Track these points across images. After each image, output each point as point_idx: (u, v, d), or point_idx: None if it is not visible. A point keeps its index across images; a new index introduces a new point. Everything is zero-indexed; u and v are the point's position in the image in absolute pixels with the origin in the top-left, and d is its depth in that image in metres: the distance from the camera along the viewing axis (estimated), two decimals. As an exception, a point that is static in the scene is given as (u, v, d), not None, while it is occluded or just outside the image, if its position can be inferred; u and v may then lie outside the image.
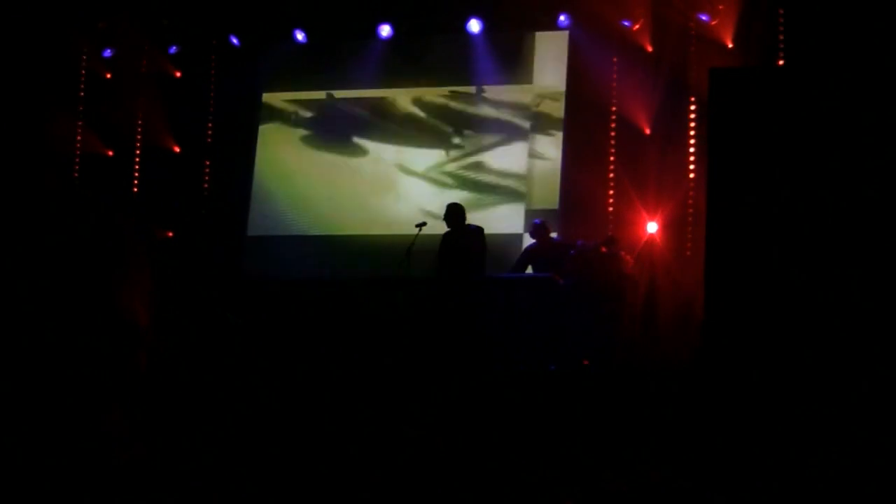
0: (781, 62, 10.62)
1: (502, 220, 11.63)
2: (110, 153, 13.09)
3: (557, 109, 11.92)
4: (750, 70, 9.57)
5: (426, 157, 12.25)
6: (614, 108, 11.56)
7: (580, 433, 7.20)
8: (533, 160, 11.90)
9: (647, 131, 11.29)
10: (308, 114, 12.88)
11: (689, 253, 10.68)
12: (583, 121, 11.72)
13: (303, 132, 12.83)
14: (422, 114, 12.40)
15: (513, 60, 12.17)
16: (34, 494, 5.95)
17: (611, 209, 11.33)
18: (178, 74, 13.06)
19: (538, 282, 9.97)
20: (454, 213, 9.93)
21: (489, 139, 12.08)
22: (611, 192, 11.39)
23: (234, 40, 12.78)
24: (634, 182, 11.11)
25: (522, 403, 8.07)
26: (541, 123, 11.97)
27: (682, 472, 6.10)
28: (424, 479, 6.23)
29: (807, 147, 6.26)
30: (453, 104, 12.32)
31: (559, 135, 11.87)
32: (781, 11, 10.73)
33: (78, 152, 13.10)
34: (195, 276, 11.95)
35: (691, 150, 11.01)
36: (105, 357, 8.77)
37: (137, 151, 13.00)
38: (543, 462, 6.50)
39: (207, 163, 12.88)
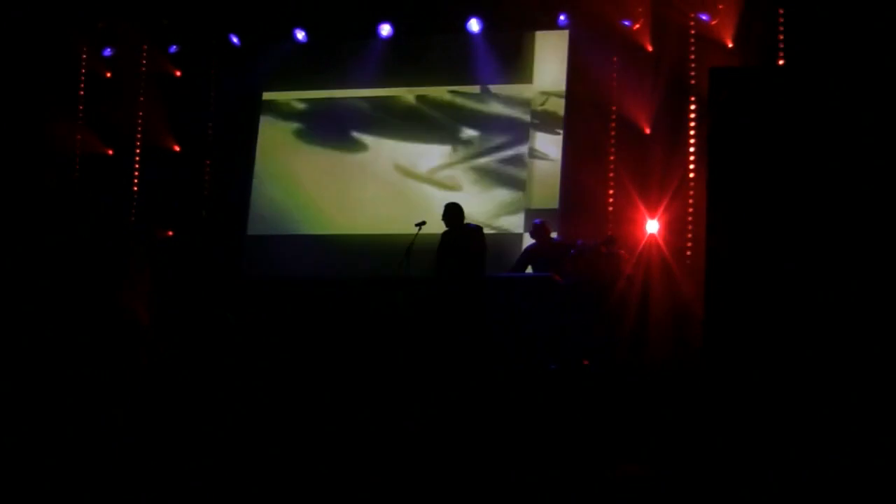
0: (781, 62, 10.61)
1: (502, 220, 11.63)
2: (110, 153, 13.09)
3: (557, 109, 11.92)
4: (750, 69, 9.57)
5: (426, 157, 12.24)
6: (614, 108, 11.55)
7: (580, 433, 7.20)
8: (533, 160, 11.90)
9: (648, 131, 11.29)
10: (308, 113, 12.88)
11: (689, 252, 10.68)
12: (583, 120, 11.71)
13: (303, 132, 12.83)
14: (422, 113, 12.39)
15: (513, 60, 12.17)
16: (35, 492, 5.95)
17: (611, 209, 11.33)
18: (179, 74, 13.06)
19: (538, 282, 9.97)
20: (452, 213, 9.93)
21: (489, 139, 12.07)
22: (611, 191, 11.38)
23: (235, 40, 12.78)
24: (634, 182, 11.10)
25: (522, 403, 8.08)
26: (541, 123, 11.97)
27: (682, 472, 6.10)
28: (424, 478, 6.23)
29: (807, 146, 6.27)
30: (453, 104, 12.32)
31: (559, 134, 11.87)
32: (781, 11, 10.73)
33: (78, 152, 13.10)
34: (195, 276, 11.96)
35: (691, 149, 11.00)
36: (106, 355, 8.74)
37: (137, 151, 12.99)
38: (543, 462, 6.50)
39: (207, 162, 12.87)
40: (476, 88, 12.26)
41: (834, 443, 5.73)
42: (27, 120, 12.39)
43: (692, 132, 11.02)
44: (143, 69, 13.02)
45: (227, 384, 9.65)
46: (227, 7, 12.60)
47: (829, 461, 5.64)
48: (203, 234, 12.52)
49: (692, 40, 11.19)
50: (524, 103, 12.03)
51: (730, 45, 10.85)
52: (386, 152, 12.39)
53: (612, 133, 11.54)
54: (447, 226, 9.92)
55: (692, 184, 10.86)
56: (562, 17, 11.86)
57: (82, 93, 13.05)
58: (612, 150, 11.50)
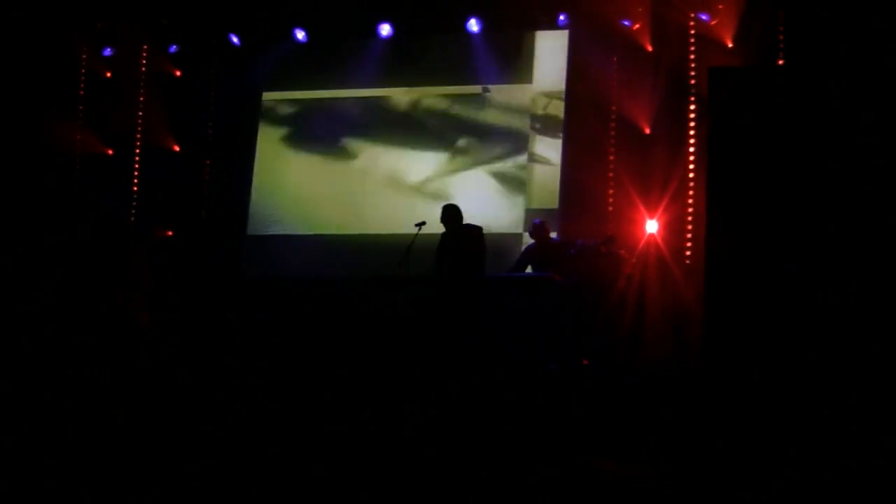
0: (781, 61, 10.61)
1: (502, 220, 11.63)
2: (110, 152, 13.08)
3: (557, 109, 11.91)
4: (750, 69, 9.57)
5: (426, 156, 12.24)
6: (614, 108, 11.55)
7: (579, 432, 7.20)
8: (533, 160, 11.90)
9: (647, 131, 11.29)
10: (308, 113, 12.87)
11: (688, 252, 10.68)
12: (583, 120, 11.71)
13: (303, 132, 12.82)
14: (421, 113, 12.39)
15: (513, 60, 12.17)
16: (35, 492, 5.94)
17: (610, 209, 11.32)
18: (178, 74, 13.06)
19: (538, 282, 9.98)
20: (450, 214, 9.94)
21: (489, 139, 12.07)
22: (610, 191, 11.37)
23: (235, 40, 12.78)
24: (634, 181, 11.10)
25: (522, 403, 8.08)
26: (540, 123, 11.96)
27: (682, 472, 6.11)
28: (424, 478, 6.23)
29: (806, 146, 6.28)
30: (453, 103, 12.32)
31: (559, 134, 11.87)
32: (781, 11, 10.73)
33: (78, 152, 13.10)
34: (195, 276, 11.96)
35: (691, 149, 11.00)
36: (105, 355, 8.72)
37: (137, 151, 12.98)
38: (543, 461, 6.50)
39: (207, 162, 12.87)
40: (476, 89, 12.25)
41: (833, 443, 5.74)
42: (27, 120, 12.39)
43: (692, 132, 11.02)
44: (143, 69, 13.03)
45: (227, 384, 9.65)
46: (226, 7, 12.60)
47: (828, 461, 5.65)
48: (203, 234, 12.52)
49: (692, 40, 11.18)
50: (524, 103, 12.02)
51: (730, 45, 10.85)
52: (386, 150, 12.38)
53: (612, 133, 11.53)
54: (446, 227, 9.93)
55: (692, 184, 10.85)
56: (561, 17, 11.86)
57: (82, 93, 13.05)
58: (612, 150, 11.50)
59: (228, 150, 12.86)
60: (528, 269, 10.39)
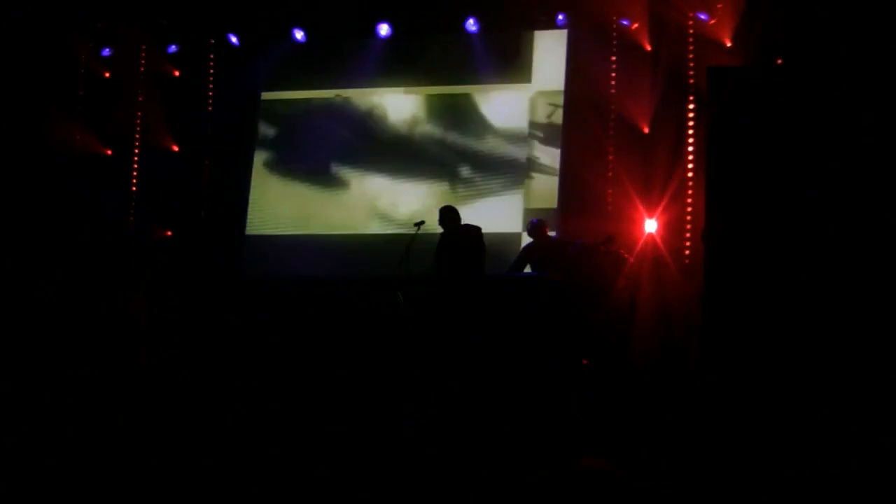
0: (780, 61, 10.61)
1: (501, 219, 11.63)
2: (109, 152, 13.08)
3: (556, 108, 11.92)
4: (749, 69, 9.58)
5: (425, 155, 12.24)
6: (613, 107, 11.56)
7: (579, 432, 7.21)
8: (531, 159, 11.91)
9: (646, 130, 11.29)
10: (307, 112, 12.87)
11: (687, 252, 10.68)
12: (581, 120, 11.72)
13: (302, 130, 12.82)
14: (420, 111, 12.39)
15: (511, 59, 12.17)
16: (35, 492, 5.94)
17: (609, 208, 11.33)
18: (177, 73, 13.06)
19: (537, 281, 9.98)
20: (448, 216, 9.96)
21: (488, 138, 12.08)
22: (609, 190, 11.38)
23: (234, 39, 12.78)
24: (633, 181, 11.10)
25: (522, 403, 8.08)
26: (539, 122, 11.97)
27: (680, 472, 6.11)
28: (424, 478, 6.23)
29: (806, 146, 6.28)
30: (452, 102, 12.32)
31: (557, 134, 11.87)
32: (780, 10, 10.73)
33: (77, 152, 13.09)
34: (194, 276, 11.96)
35: (690, 148, 11.00)
36: (105, 355, 8.73)
37: (136, 151, 12.98)
38: (542, 461, 6.50)
39: (206, 162, 12.87)
40: (475, 88, 12.25)
41: (832, 442, 5.74)
42: (26, 120, 12.38)
43: (691, 132, 11.02)
44: (142, 69, 13.01)
45: (227, 384, 9.65)
46: (225, 7, 12.59)
47: (827, 461, 5.65)
48: (202, 234, 12.52)
49: (691, 39, 11.19)
50: (523, 102, 12.02)
51: (728, 45, 10.86)
52: (385, 148, 12.38)
53: (611, 132, 11.54)
54: (444, 228, 9.94)
55: (691, 183, 10.86)
56: (560, 17, 11.87)
57: (81, 93, 13.03)
58: (611, 149, 11.50)
59: (227, 150, 12.85)
60: (527, 269, 10.40)
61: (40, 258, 11.73)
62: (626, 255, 10.35)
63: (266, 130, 12.93)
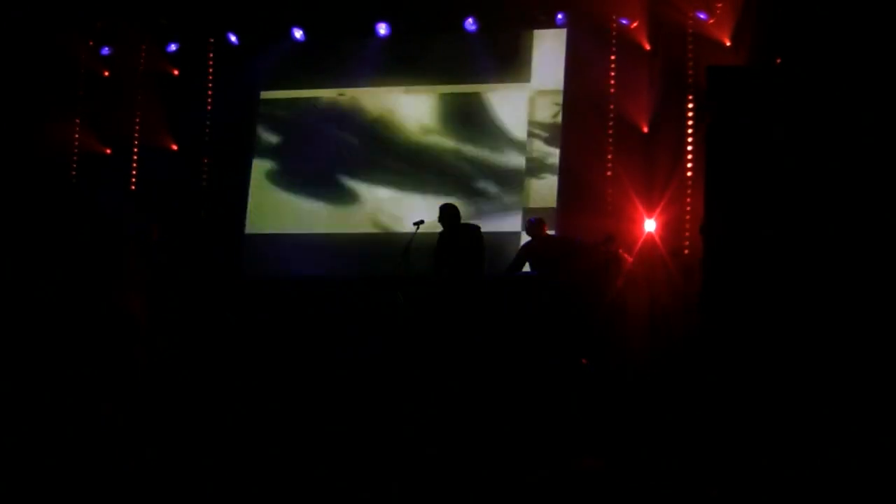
0: (779, 60, 10.61)
1: (500, 219, 11.63)
2: (108, 152, 13.08)
3: (555, 107, 11.92)
4: (748, 68, 9.58)
5: (424, 153, 12.25)
6: (612, 106, 11.56)
7: (578, 432, 7.21)
8: (531, 158, 11.91)
9: (646, 129, 11.30)
10: (306, 111, 12.87)
11: (686, 251, 10.69)
12: (581, 119, 11.72)
13: (301, 130, 12.82)
14: (420, 111, 12.39)
15: (511, 58, 12.18)
16: (33, 490, 5.94)
17: (609, 207, 11.33)
18: (177, 73, 13.06)
19: (536, 281, 9.98)
20: (448, 214, 9.96)
21: (487, 137, 12.08)
22: (609, 190, 11.38)
23: (233, 38, 12.78)
24: (633, 180, 11.11)
25: (521, 403, 8.08)
26: (538, 121, 11.97)
27: (680, 471, 6.12)
28: (423, 478, 6.23)
29: (805, 145, 6.28)
30: (451, 102, 12.32)
31: (557, 133, 11.87)
32: (780, 9, 10.73)
33: (76, 151, 13.10)
34: (193, 276, 11.96)
35: (689, 148, 11.00)
36: (103, 354, 8.72)
37: (135, 150, 12.98)
38: (542, 461, 6.51)
39: (206, 161, 12.86)
40: (474, 87, 12.26)
41: (831, 443, 5.74)
42: (25, 119, 12.39)
43: (690, 131, 11.03)
44: (142, 68, 13.01)
45: (226, 384, 9.66)
46: (225, 6, 12.60)
47: (825, 461, 5.66)
48: (201, 234, 12.51)
49: (690, 39, 11.19)
50: (522, 102, 12.02)
51: (728, 44, 10.86)
52: (384, 147, 12.38)
53: (610, 132, 11.54)
54: (444, 226, 9.94)
55: (690, 182, 10.86)
56: (559, 16, 11.87)
57: (80, 92, 13.04)
58: (610, 148, 11.50)
59: (227, 149, 12.85)
60: (526, 267, 10.39)
61: (39, 257, 11.73)
62: (626, 255, 10.36)
63: (265, 130, 12.91)
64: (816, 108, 6.31)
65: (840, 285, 6.02)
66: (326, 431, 7.30)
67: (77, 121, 13.08)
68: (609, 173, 11.41)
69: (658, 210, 10.86)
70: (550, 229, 10.80)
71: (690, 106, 11.07)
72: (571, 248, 10.29)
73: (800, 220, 6.19)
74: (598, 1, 11.44)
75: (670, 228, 10.83)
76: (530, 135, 11.95)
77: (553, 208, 11.60)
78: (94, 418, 7.74)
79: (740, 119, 6.44)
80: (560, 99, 11.90)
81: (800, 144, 6.27)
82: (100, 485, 6.26)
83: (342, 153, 12.51)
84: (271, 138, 12.89)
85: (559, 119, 11.87)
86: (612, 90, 11.57)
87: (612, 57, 11.62)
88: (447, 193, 11.56)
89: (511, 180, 11.88)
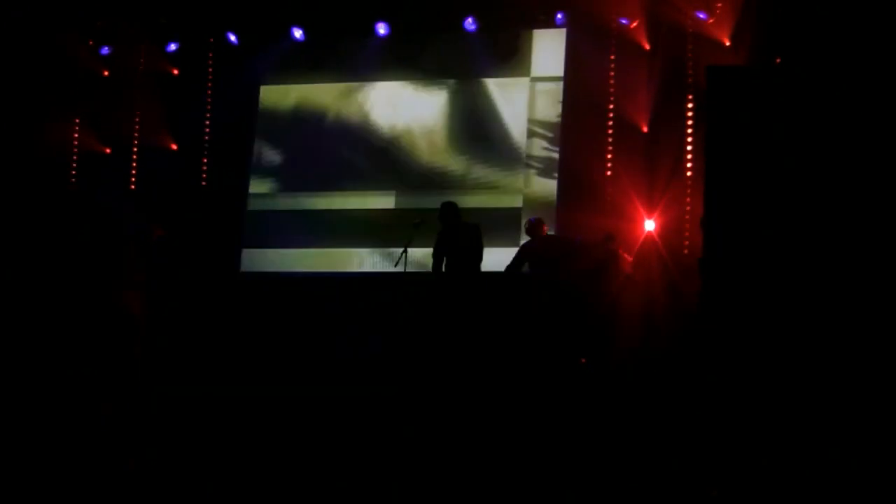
0: (779, 60, 10.62)
1: (499, 217, 11.61)
2: (108, 151, 13.07)
3: (555, 107, 11.92)
4: (747, 68, 9.58)
5: (424, 153, 12.24)
6: (612, 106, 11.57)
7: (578, 431, 7.21)
8: (530, 157, 11.91)
9: (645, 129, 11.30)
10: (306, 111, 12.86)
11: (686, 251, 10.69)
12: (580, 118, 11.73)
13: (300, 129, 12.82)
14: (420, 110, 12.38)
15: (510, 57, 12.18)
16: (30, 487, 5.94)
17: (608, 206, 11.33)
18: (176, 72, 13.05)
19: (535, 280, 9.99)
20: (448, 212, 9.97)
21: (486, 136, 12.07)
22: (608, 189, 11.38)
23: (232, 38, 12.77)
24: (632, 180, 11.11)
25: (519, 401, 8.09)
26: (538, 120, 11.97)
27: (680, 471, 6.12)
28: (423, 478, 6.23)
29: (804, 145, 6.27)
30: (451, 101, 12.32)
31: (556, 132, 11.87)
32: (779, 9, 10.73)
33: (75, 150, 13.10)
34: (192, 275, 11.97)
35: (689, 147, 11.01)
36: (102, 353, 8.71)
37: (135, 149, 12.98)
38: (542, 460, 6.51)
39: (205, 161, 12.86)
40: (474, 85, 12.26)
41: (831, 443, 5.75)
42: (25, 118, 12.39)
43: (690, 130, 11.03)
44: (141, 68, 13.00)
45: (226, 383, 9.66)
46: (224, 6, 12.59)
47: (826, 461, 5.66)
48: (200, 233, 12.51)
49: (690, 38, 11.20)
50: (522, 101, 12.02)
51: (727, 44, 10.87)
52: (383, 146, 12.37)
53: (610, 131, 11.54)
54: (443, 224, 9.95)
55: (690, 182, 10.87)
56: (559, 16, 11.87)
57: (80, 91, 13.03)
58: (610, 148, 11.51)
59: (226, 149, 12.85)
60: (526, 268, 10.39)
61: (38, 257, 11.73)
62: (625, 254, 10.36)
63: (264, 131, 12.92)
64: (816, 107, 6.31)
65: (840, 285, 6.02)
66: (326, 431, 7.30)
67: (77, 120, 13.08)
68: (609, 173, 11.42)
69: (658, 209, 10.87)
70: (550, 229, 10.81)
71: (690, 106, 11.07)
72: (571, 247, 10.29)
73: (799, 219, 6.19)
74: (597, 1, 11.44)
75: (670, 228, 10.84)
76: (530, 134, 11.95)
77: (552, 207, 11.60)
78: (94, 418, 7.74)
79: (739, 119, 6.44)
80: (560, 98, 11.89)
81: (799, 144, 6.27)
82: (100, 485, 6.26)
83: (342, 152, 12.50)
84: (271, 137, 12.88)
85: (559, 118, 11.86)
86: (612, 90, 11.57)
87: (612, 57, 11.62)
88: (447, 192, 11.56)
89: (510, 179, 11.87)
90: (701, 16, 11.06)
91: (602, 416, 7.51)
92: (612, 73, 11.60)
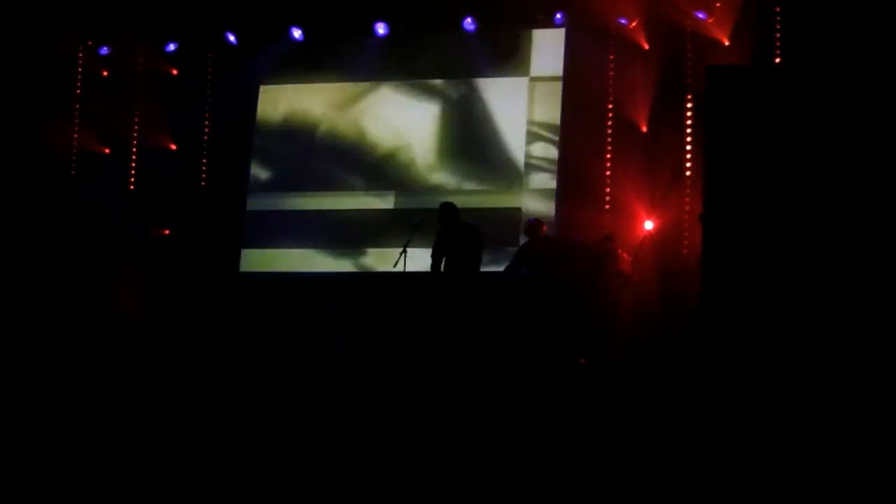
0: (778, 60, 10.63)
1: (499, 217, 11.61)
2: (107, 151, 13.07)
3: (554, 106, 11.91)
4: (747, 68, 9.58)
5: (423, 153, 12.24)
6: (611, 106, 11.56)
7: (578, 431, 7.21)
8: (529, 157, 11.90)
9: (644, 128, 11.30)
10: (305, 111, 12.86)
11: (685, 251, 10.69)
12: (580, 118, 11.72)
13: (299, 129, 12.81)
14: (419, 110, 12.37)
15: (510, 57, 12.17)
16: (28, 486, 5.95)
17: (608, 206, 11.33)
18: (175, 72, 13.05)
19: (534, 280, 9.98)
20: (447, 212, 9.97)
21: (485, 136, 12.06)
22: (608, 189, 11.38)
23: (231, 38, 12.77)
24: (631, 179, 11.12)
25: (519, 401, 8.09)
26: (537, 120, 11.96)
27: (680, 471, 6.12)
28: (423, 478, 6.24)
29: (803, 144, 6.28)
30: (450, 100, 12.32)
31: (556, 132, 11.86)
32: (778, 9, 10.74)
33: (74, 150, 13.09)
34: (192, 275, 11.96)
35: (688, 147, 11.01)
36: (102, 352, 8.74)
37: (134, 149, 12.97)
38: (542, 460, 6.51)
39: (204, 161, 12.86)
40: (473, 85, 12.25)
41: (830, 443, 5.75)
42: (24, 118, 12.38)
43: (689, 130, 11.03)
44: (140, 68, 13.00)
45: (226, 383, 9.66)
46: (224, 5, 12.59)
47: (825, 461, 5.66)
48: (200, 233, 12.51)
49: (689, 38, 11.19)
50: (521, 100, 12.01)
51: (726, 44, 10.87)
52: (383, 146, 12.36)
53: (609, 131, 11.54)
54: (442, 225, 9.95)
55: (689, 182, 10.87)
56: (558, 16, 11.87)
57: (79, 91, 13.03)
58: (609, 147, 11.51)
59: (225, 149, 12.85)
60: (525, 268, 10.38)
61: (38, 257, 11.73)
62: (625, 254, 10.36)
63: (264, 131, 12.91)
64: (815, 107, 6.32)
65: (839, 284, 6.02)
66: (326, 431, 7.30)
67: (76, 120, 13.07)
68: (608, 173, 11.42)
69: (657, 209, 10.87)
70: (549, 229, 10.80)
71: (690, 106, 11.07)
72: (570, 248, 10.28)
73: (799, 219, 6.20)
74: (596, 1, 11.43)
75: (669, 228, 10.84)
76: (529, 134, 11.94)
77: (552, 206, 11.59)
78: (93, 418, 7.75)
79: (739, 118, 6.44)
80: (559, 98, 11.89)
81: (798, 144, 6.28)
82: (100, 485, 6.26)
83: (341, 151, 12.50)
84: (270, 137, 12.88)
85: (558, 118, 11.86)
86: (612, 90, 11.57)
87: (612, 56, 11.62)
88: (446, 191, 11.56)
89: (510, 178, 11.87)
90: (700, 15, 11.06)
91: (601, 417, 7.51)
92: (612, 73, 11.59)
